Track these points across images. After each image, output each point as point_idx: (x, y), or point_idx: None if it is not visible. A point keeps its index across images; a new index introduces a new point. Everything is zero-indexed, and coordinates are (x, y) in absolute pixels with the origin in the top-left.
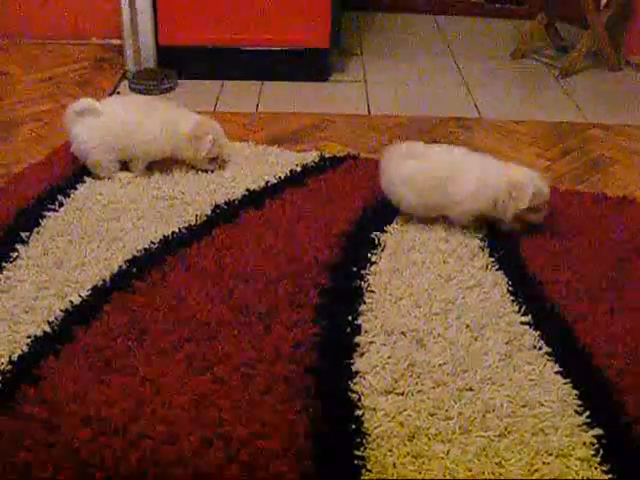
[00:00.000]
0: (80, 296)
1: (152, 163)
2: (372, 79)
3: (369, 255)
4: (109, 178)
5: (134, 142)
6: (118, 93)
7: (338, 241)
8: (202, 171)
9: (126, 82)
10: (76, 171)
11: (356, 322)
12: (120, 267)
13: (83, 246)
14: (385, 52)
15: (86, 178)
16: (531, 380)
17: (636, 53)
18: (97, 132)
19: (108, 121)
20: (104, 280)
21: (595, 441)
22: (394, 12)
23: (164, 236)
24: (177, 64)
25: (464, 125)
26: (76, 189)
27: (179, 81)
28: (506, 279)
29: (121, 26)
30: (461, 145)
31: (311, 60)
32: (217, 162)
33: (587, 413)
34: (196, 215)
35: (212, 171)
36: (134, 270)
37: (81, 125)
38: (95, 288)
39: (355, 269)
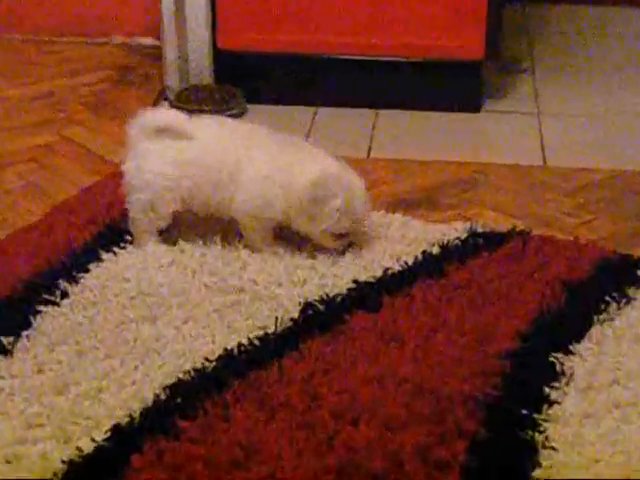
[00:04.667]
0: (94, 441)
1: (197, 231)
2: (549, 109)
3: (547, 389)
4: (142, 244)
5: (231, 194)
6: None
7: (498, 365)
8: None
9: (166, 104)
10: (89, 242)
11: None
12: (157, 396)
13: (99, 362)
14: (569, 67)
15: (104, 254)
16: None
17: None
18: (173, 163)
19: (197, 152)
20: (131, 417)
21: None
22: (583, 4)
23: (226, 350)
24: (244, 79)
25: None
26: (88, 271)
27: (248, 106)
28: None
29: (160, 19)
30: None
31: (454, 78)
32: (347, 240)
33: None
34: (276, 318)
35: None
36: (178, 402)
37: (154, 145)
38: (117, 429)
39: (525, 411)
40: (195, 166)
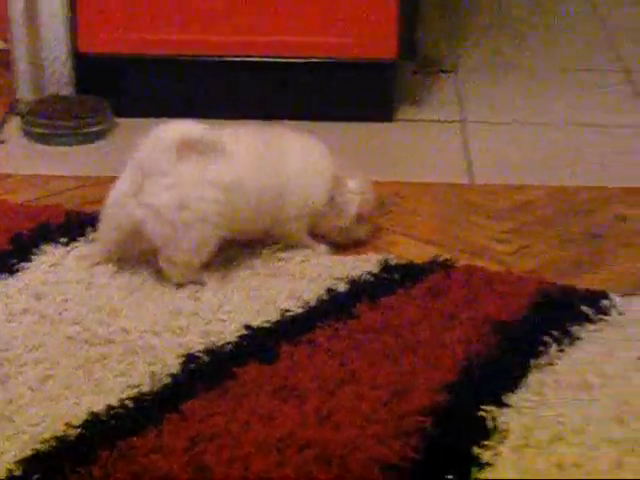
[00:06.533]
0: None
1: None
2: (475, 116)
3: (476, 449)
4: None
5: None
6: (1, 142)
7: (417, 423)
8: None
9: (17, 121)
10: None
11: None
12: (10, 473)
13: None
14: (499, 66)
15: None
16: None
17: None
18: (224, 186)
19: (246, 167)
20: None
21: None
22: None
23: (92, 414)
24: (113, 89)
25: None
26: None
27: (116, 120)
28: None
29: (9, 18)
30: None
31: (362, 82)
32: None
33: None
34: (152, 374)
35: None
36: (36, 479)
37: (191, 168)
38: None
39: (451, 477)
40: (249, 183)
